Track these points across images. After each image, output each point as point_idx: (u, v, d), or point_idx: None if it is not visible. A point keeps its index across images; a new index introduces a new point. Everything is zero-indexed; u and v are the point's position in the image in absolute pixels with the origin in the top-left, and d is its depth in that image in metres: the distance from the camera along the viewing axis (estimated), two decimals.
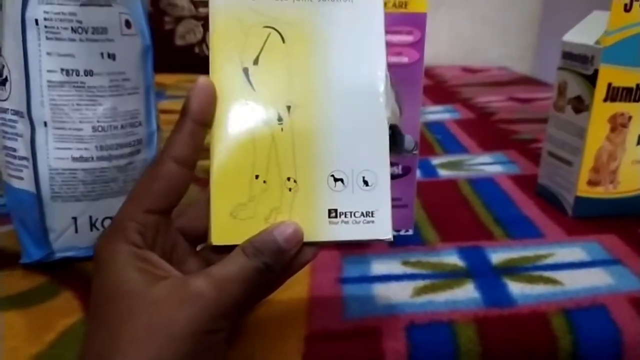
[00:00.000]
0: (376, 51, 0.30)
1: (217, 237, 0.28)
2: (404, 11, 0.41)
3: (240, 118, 0.28)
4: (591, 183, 0.51)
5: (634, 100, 0.49)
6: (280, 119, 0.29)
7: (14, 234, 0.40)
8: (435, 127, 0.84)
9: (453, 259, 0.43)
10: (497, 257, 0.43)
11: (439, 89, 1.10)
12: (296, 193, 0.29)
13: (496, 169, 0.65)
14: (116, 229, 0.27)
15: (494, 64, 1.35)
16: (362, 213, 0.29)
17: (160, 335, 0.25)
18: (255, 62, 0.29)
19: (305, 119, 0.29)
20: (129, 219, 0.27)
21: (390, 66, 0.31)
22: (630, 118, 0.49)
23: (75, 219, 0.39)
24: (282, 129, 0.29)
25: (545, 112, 0.55)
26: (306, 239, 0.28)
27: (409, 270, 0.41)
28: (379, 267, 0.42)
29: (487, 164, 0.67)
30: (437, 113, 0.92)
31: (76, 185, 0.38)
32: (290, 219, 0.28)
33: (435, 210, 0.53)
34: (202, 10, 1.17)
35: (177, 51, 1.18)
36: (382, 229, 0.29)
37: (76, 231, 0.39)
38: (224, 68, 0.28)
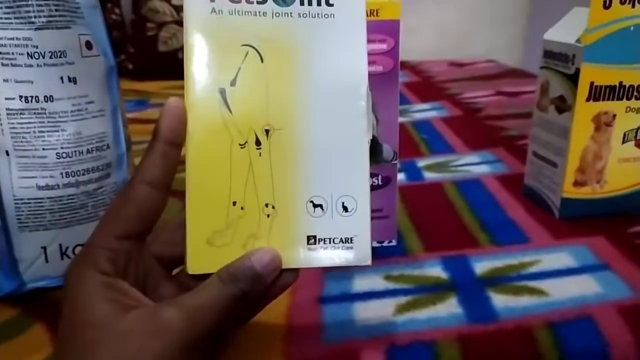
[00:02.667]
0: (357, 70, 0.29)
1: (193, 266, 0.27)
2: (376, 19, 0.40)
3: (217, 142, 0.27)
4: (577, 183, 0.50)
5: (618, 99, 0.48)
6: (258, 143, 0.28)
7: None
8: (422, 126, 0.82)
9: (436, 271, 0.42)
10: (482, 266, 0.42)
11: (426, 85, 1.08)
12: (274, 219, 0.28)
13: (483, 169, 0.64)
14: (86, 256, 0.26)
15: (482, 56, 1.33)
16: (341, 239, 0.28)
17: None
18: (233, 83, 0.28)
19: (284, 143, 0.28)
20: (99, 245, 0.26)
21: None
22: (614, 116, 0.48)
23: (44, 248, 0.38)
24: (260, 154, 0.28)
25: (532, 106, 0.54)
26: (284, 265, 0.28)
27: (391, 285, 0.40)
28: (361, 282, 0.41)
29: (473, 164, 0.66)
30: (424, 111, 0.90)
31: (43, 214, 0.37)
32: (269, 245, 0.28)
33: (420, 217, 0.52)
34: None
35: (161, 57, 1.17)
36: (361, 254, 0.28)
37: (46, 260, 0.38)
38: (199, 89, 0.27)
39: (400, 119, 0.85)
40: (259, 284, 0.26)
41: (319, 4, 0.28)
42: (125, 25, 1.21)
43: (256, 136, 0.28)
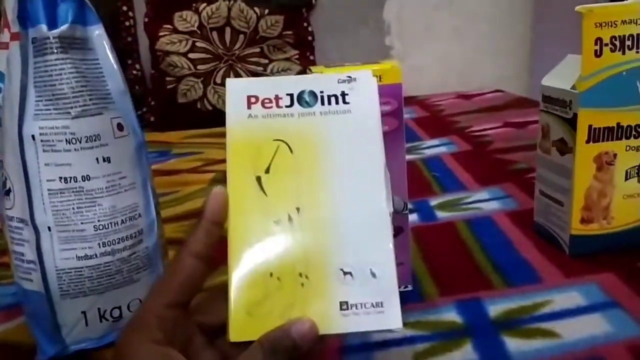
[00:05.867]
0: (375, 153, 0.33)
1: (235, 335, 0.30)
2: (380, 83, 0.43)
3: (254, 221, 0.31)
4: (584, 221, 0.52)
5: (617, 139, 0.50)
6: (290, 220, 0.31)
7: (29, 327, 0.42)
8: (433, 163, 0.85)
9: (452, 316, 0.44)
10: (496, 309, 0.44)
11: (435, 120, 1.11)
12: (308, 288, 0.30)
13: (493, 205, 0.66)
14: (138, 325, 0.29)
15: (488, 86, 1.36)
16: (372, 304, 0.30)
17: None
18: (267, 170, 0.32)
19: (313, 220, 0.32)
20: (151, 313, 0.29)
21: None
22: (615, 155, 0.50)
23: (84, 312, 0.41)
24: (292, 229, 0.31)
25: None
26: (320, 332, 0.29)
27: (408, 332, 0.42)
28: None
29: (484, 201, 0.68)
30: (434, 147, 0.93)
31: (83, 281, 0.40)
32: (304, 313, 0.30)
33: (434, 259, 0.54)
34: (200, 67, 1.21)
35: (180, 108, 1.22)
36: (393, 318, 0.30)
37: (86, 324, 0.41)
38: (239, 178, 0.32)
39: (411, 157, 0.89)
40: (297, 352, 0.28)
41: (337, 102, 0.34)
42: (146, 80, 1.27)
43: (288, 214, 0.31)
